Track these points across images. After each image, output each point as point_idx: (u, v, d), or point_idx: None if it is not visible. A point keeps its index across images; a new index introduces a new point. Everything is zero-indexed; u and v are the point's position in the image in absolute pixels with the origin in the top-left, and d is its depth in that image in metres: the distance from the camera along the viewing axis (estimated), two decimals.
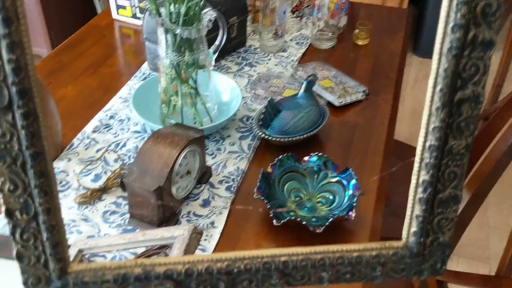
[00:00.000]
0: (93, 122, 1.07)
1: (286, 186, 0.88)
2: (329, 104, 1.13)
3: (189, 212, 0.86)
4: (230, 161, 0.97)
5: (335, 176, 0.87)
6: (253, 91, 1.16)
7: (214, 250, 0.79)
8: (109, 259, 0.78)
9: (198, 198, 0.89)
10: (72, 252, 0.73)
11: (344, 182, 0.86)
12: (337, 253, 0.41)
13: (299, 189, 0.88)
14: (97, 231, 0.83)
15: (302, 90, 1.00)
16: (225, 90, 1.10)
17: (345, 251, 0.41)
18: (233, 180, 0.93)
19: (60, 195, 0.90)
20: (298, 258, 0.41)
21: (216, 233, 0.82)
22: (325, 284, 0.42)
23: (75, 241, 0.81)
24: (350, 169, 0.86)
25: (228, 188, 0.91)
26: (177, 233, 0.68)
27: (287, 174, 0.89)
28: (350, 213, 0.78)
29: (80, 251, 0.74)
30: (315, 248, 0.41)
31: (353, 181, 0.84)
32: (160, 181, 0.79)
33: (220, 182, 0.93)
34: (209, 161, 0.97)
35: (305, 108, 0.97)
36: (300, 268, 0.41)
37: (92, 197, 0.88)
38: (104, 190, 0.90)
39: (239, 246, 0.80)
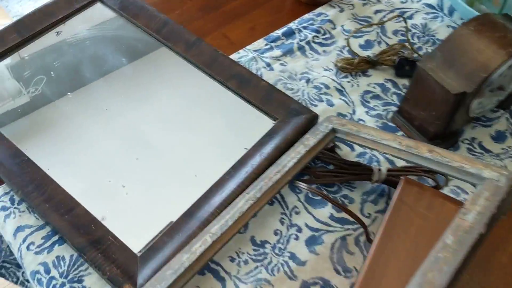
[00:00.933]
0: None
1: None
2: None
3: (473, 139, 0.62)
4: None
5: None
6: None
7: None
8: (356, 154, 0.60)
9: (490, 126, 0.64)
10: (322, 129, 0.57)
11: None
12: None
13: None
14: (351, 112, 0.65)
15: None
16: None
17: None
18: None
19: (321, 49, 0.72)
20: None
21: None
22: None
23: (325, 113, 0.64)
24: None
25: None
26: (487, 175, 0.45)
27: None
28: None
29: (333, 130, 0.57)
30: None
31: None
32: (469, 85, 0.55)
33: None
34: None
35: None
36: None
37: (358, 66, 0.69)
38: (373, 64, 0.69)
39: None
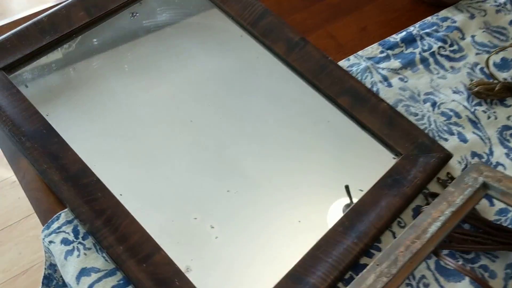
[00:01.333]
0: None
1: None
2: None
3: None
4: None
5: None
6: None
7: None
8: (496, 210, 0.48)
9: None
10: (470, 182, 0.44)
11: None
12: None
13: None
14: (487, 152, 0.52)
15: None
16: None
17: None
18: None
19: (448, 64, 0.58)
20: None
21: None
22: None
23: (456, 150, 0.52)
24: None
25: None
26: None
27: None
28: None
29: (485, 186, 0.44)
30: None
31: None
32: None
33: None
34: None
35: None
36: None
37: (498, 93, 0.55)
38: None
39: None
